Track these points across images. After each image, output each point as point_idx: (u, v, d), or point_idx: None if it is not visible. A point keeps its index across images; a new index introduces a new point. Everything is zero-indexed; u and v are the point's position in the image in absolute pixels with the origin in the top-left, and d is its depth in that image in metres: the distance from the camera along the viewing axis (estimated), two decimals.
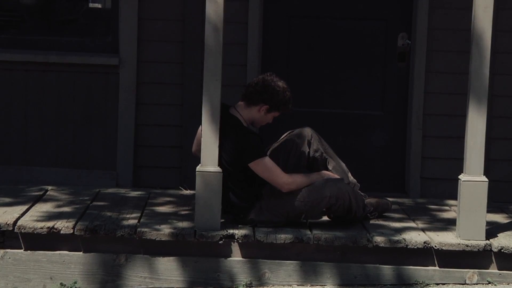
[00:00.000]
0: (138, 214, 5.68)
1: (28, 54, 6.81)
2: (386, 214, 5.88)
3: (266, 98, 5.47)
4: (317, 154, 5.68)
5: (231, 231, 5.34)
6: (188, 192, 6.48)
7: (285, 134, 5.77)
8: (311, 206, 5.44)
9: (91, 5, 7.10)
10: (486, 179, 5.36)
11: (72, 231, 5.29)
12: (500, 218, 6.03)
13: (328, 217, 5.73)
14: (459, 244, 5.32)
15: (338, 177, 5.58)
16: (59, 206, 5.83)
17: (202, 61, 5.41)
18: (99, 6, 7.12)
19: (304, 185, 5.42)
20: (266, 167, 5.38)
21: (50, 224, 5.32)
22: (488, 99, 5.38)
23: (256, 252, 5.34)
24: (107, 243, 5.33)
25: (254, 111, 5.52)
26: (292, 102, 5.54)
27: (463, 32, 6.42)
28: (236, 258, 5.34)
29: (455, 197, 5.51)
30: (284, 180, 5.39)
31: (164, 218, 5.62)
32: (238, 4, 6.67)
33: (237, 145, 5.37)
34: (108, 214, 5.65)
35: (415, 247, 5.31)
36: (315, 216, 5.63)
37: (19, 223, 5.33)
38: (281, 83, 5.51)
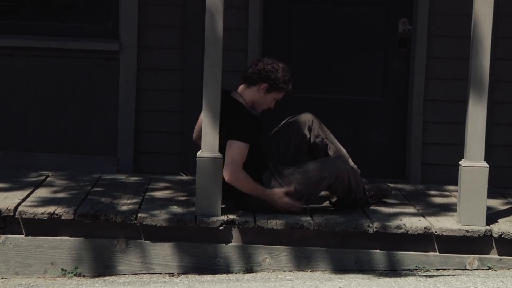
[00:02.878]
0: (139, 200, 5.69)
1: (28, 39, 6.80)
2: (386, 199, 5.89)
3: (265, 76, 5.46)
4: (317, 140, 5.67)
5: (231, 216, 5.34)
6: (188, 178, 6.48)
7: (286, 119, 5.76)
8: (312, 188, 5.45)
9: None
10: (487, 165, 5.36)
11: (73, 217, 5.30)
12: (500, 203, 6.03)
13: (329, 203, 5.74)
14: (459, 229, 5.33)
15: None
16: (59, 192, 5.83)
17: (202, 47, 5.40)
18: None
19: (249, 189, 5.34)
20: (237, 151, 5.30)
21: (51, 209, 5.32)
22: (489, 84, 5.37)
23: (256, 238, 5.35)
24: (108, 228, 5.34)
25: (254, 91, 5.51)
26: (293, 85, 5.52)
27: (464, 18, 6.40)
28: (236, 243, 5.35)
29: (455, 183, 5.51)
30: (232, 169, 5.28)
31: (165, 203, 5.62)
32: None
33: (235, 125, 5.36)
34: (109, 199, 5.65)
35: (416, 233, 5.31)
36: (315, 199, 5.63)
37: (20, 208, 5.34)
38: (281, 64, 5.51)
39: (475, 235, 5.33)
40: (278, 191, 5.41)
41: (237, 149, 5.31)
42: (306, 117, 5.69)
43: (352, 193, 5.52)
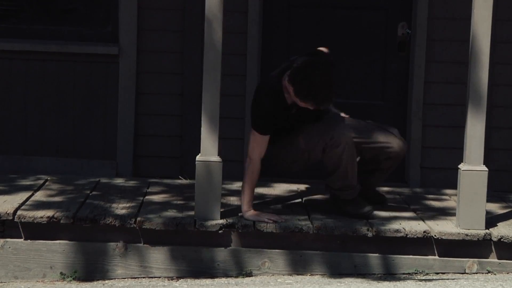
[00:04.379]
0: (138, 204, 5.69)
1: (28, 43, 6.81)
2: (385, 203, 5.88)
3: (292, 79, 5.23)
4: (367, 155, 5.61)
5: (230, 220, 5.34)
6: (187, 181, 6.48)
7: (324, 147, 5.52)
8: (313, 145, 5.41)
9: None
10: (486, 169, 5.36)
11: (72, 221, 5.29)
12: (500, 207, 6.03)
13: (325, 190, 5.73)
14: (458, 233, 5.32)
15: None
16: (58, 196, 5.83)
17: (202, 50, 5.41)
18: None
19: (246, 178, 5.40)
20: (252, 139, 5.40)
21: (50, 213, 5.32)
22: (488, 88, 5.38)
23: (256, 242, 5.34)
24: (107, 232, 5.33)
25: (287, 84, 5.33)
26: (316, 102, 5.19)
27: (463, 22, 6.39)
28: (236, 247, 5.35)
29: (455, 187, 5.51)
30: (250, 156, 5.38)
31: (164, 207, 5.62)
32: None
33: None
34: (108, 203, 5.65)
35: (415, 237, 5.31)
36: (315, 163, 5.56)
37: (19, 212, 5.34)
38: (318, 78, 5.16)
39: (474, 239, 5.32)
40: (249, 214, 5.40)
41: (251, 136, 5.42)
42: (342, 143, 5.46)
43: (341, 166, 5.39)
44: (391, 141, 5.57)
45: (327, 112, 5.61)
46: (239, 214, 5.47)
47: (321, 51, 5.67)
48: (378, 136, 5.58)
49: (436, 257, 5.36)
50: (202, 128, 5.33)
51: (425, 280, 5.14)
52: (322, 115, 5.54)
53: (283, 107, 5.37)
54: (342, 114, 5.79)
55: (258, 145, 5.39)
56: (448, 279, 5.19)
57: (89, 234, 5.34)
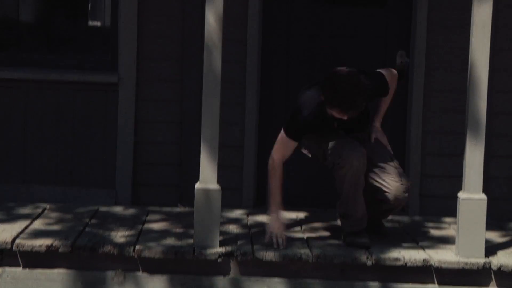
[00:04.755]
0: (137, 232, 5.68)
1: (28, 72, 6.83)
2: (384, 232, 5.87)
3: (323, 87, 5.29)
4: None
5: (229, 248, 5.33)
6: (186, 209, 6.47)
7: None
8: (325, 154, 5.50)
9: (90, 23, 7.12)
10: (485, 197, 5.36)
11: (70, 249, 5.28)
12: (499, 236, 6.02)
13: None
14: (458, 262, 5.31)
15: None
16: (57, 224, 5.82)
17: (201, 79, 5.43)
18: (99, 24, 7.14)
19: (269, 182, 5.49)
20: (279, 139, 5.47)
21: (48, 242, 5.31)
22: (487, 116, 5.39)
23: (255, 270, 5.33)
24: (106, 261, 5.32)
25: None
26: (341, 110, 5.21)
27: (461, 50, 6.42)
28: (235, 276, 5.33)
29: (454, 215, 5.50)
30: (273, 156, 5.46)
31: (163, 236, 5.61)
32: (238, 30, 6.69)
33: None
34: (106, 232, 5.64)
35: (414, 265, 5.30)
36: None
37: (17, 241, 5.32)
38: (342, 84, 5.20)
39: (474, 268, 5.31)
40: (275, 222, 5.45)
41: (280, 137, 5.49)
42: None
43: (343, 192, 5.40)
44: (391, 188, 5.48)
45: (363, 129, 5.64)
46: (238, 242, 5.46)
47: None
48: (384, 174, 5.51)
49: (436, 285, 5.35)
50: (201, 156, 5.34)
51: None
52: (360, 129, 5.58)
53: (322, 119, 5.39)
54: (376, 135, 5.73)
55: (282, 147, 5.44)
56: None
57: (87, 263, 5.33)
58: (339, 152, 5.38)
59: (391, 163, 5.54)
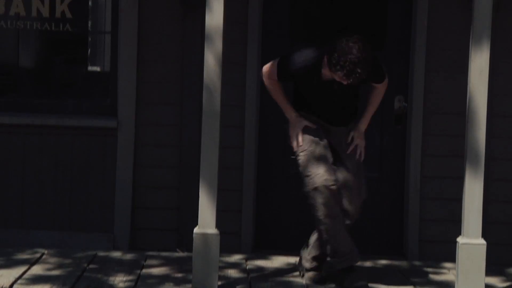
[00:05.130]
0: (135, 277, 5.65)
1: (26, 117, 6.84)
2: (384, 278, 5.85)
3: (331, 47, 5.25)
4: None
5: None
6: (185, 254, 6.45)
7: None
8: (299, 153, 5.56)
9: (90, 68, 7.16)
10: (484, 242, 5.34)
11: None
12: (499, 281, 6.00)
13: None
14: None
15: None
16: (55, 269, 5.80)
17: (199, 122, 5.44)
18: (98, 69, 7.18)
19: (275, 98, 5.62)
20: (270, 65, 5.56)
21: (47, 287, 5.28)
22: (485, 162, 5.39)
23: None
24: None
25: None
26: (346, 75, 5.20)
27: (459, 95, 6.45)
28: None
29: (454, 259, 5.48)
30: (264, 74, 5.59)
31: (162, 281, 5.58)
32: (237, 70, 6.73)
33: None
34: (105, 277, 5.61)
35: None
36: None
37: (15, 286, 5.30)
38: (350, 49, 5.16)
39: None
40: (299, 120, 5.55)
41: (273, 63, 5.55)
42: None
43: (316, 216, 5.42)
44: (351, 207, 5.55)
45: (346, 122, 5.67)
46: (237, 287, 5.43)
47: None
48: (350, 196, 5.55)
49: None
50: (200, 200, 5.33)
51: None
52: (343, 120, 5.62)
53: (314, 74, 5.41)
54: (354, 137, 5.76)
55: (271, 73, 5.53)
56: None
57: None
58: (308, 169, 5.42)
59: (354, 181, 5.58)
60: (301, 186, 5.55)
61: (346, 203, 5.49)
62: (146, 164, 6.83)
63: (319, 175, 5.35)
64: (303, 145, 5.48)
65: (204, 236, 5.32)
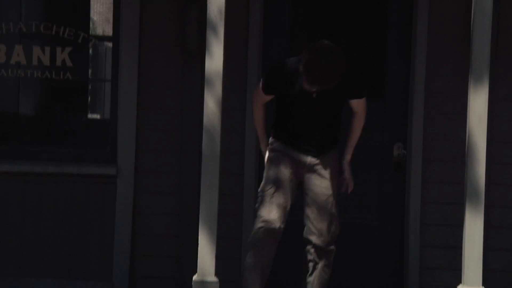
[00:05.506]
0: None
1: (26, 165, 6.84)
2: None
3: (303, 51, 5.25)
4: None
5: None
6: None
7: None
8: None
9: (90, 116, 7.18)
10: None
11: None
12: None
13: None
14: None
15: None
16: None
17: (199, 170, 5.43)
18: (98, 117, 7.20)
19: (256, 122, 5.75)
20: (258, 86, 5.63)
21: None
22: (485, 208, 5.37)
23: None
24: None
25: None
26: (310, 80, 5.15)
27: (458, 141, 6.46)
28: None
29: None
30: (254, 96, 5.72)
31: None
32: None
33: None
34: None
35: None
36: None
37: None
38: (318, 54, 5.11)
39: None
40: (268, 155, 5.62)
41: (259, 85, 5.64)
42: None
43: None
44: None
45: (324, 144, 5.62)
46: None
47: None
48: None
49: None
50: (199, 248, 5.30)
51: None
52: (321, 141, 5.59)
53: (295, 82, 5.36)
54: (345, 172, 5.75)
55: (258, 90, 5.59)
56: None
57: None
58: (259, 197, 5.53)
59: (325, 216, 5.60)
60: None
61: (309, 223, 5.57)
62: (145, 211, 6.81)
63: (262, 218, 5.44)
64: (263, 185, 5.56)
65: (204, 284, 5.28)
